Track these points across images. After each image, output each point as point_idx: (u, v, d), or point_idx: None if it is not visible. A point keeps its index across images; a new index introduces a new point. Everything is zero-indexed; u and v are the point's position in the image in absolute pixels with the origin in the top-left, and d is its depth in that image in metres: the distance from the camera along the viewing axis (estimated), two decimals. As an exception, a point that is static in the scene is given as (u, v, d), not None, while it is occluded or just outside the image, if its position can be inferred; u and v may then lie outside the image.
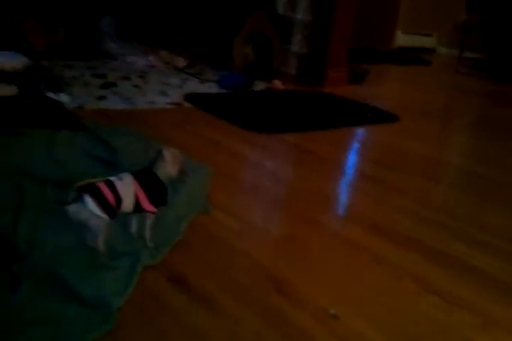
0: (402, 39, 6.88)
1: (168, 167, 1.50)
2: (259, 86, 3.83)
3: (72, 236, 1.45)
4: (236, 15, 4.19)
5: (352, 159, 2.68)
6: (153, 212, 1.49)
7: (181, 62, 4.14)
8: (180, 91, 3.44)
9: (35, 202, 1.62)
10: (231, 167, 2.33)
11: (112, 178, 1.42)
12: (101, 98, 3.07)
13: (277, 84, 3.79)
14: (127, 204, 1.42)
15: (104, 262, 1.40)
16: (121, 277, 1.35)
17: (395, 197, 2.13)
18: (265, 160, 2.49)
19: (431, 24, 6.69)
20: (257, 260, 1.55)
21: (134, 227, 1.55)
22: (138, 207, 1.45)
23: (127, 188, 1.42)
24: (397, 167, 2.53)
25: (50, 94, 2.79)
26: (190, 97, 3.29)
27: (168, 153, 1.49)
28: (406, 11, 6.66)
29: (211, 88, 3.67)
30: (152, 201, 1.46)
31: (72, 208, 1.36)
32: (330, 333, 1.25)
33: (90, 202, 1.35)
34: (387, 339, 1.26)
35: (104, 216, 1.37)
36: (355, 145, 2.93)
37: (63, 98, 2.78)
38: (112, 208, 1.38)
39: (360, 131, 3.15)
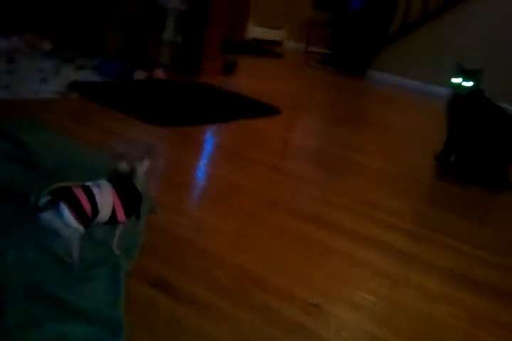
0: (254, 31, 7.14)
1: (143, 176, 1.43)
2: (140, 75, 3.71)
3: (33, 244, 1.33)
4: (108, 1, 3.97)
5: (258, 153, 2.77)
6: (124, 223, 1.42)
7: (47, 45, 3.80)
8: (59, 79, 3.18)
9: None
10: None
11: (89, 184, 1.32)
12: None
13: (159, 73, 3.71)
14: (103, 216, 1.33)
15: (80, 273, 1.31)
16: (106, 287, 1.28)
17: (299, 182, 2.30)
18: (178, 154, 2.47)
19: (280, 18, 7.05)
20: (222, 257, 1.58)
21: (99, 235, 1.46)
22: (112, 219, 1.36)
23: (106, 198, 1.32)
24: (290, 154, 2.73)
25: None
26: (75, 86, 3.07)
27: (146, 163, 1.43)
28: (257, 3, 6.92)
29: (90, 75, 3.46)
30: (126, 212, 1.38)
31: (46, 216, 1.25)
32: (316, 321, 1.36)
33: (66, 211, 1.25)
34: (360, 318, 1.40)
35: (80, 227, 1.28)
36: (253, 136, 3.02)
37: None
38: (88, 219, 1.29)
39: (253, 123, 3.24)
